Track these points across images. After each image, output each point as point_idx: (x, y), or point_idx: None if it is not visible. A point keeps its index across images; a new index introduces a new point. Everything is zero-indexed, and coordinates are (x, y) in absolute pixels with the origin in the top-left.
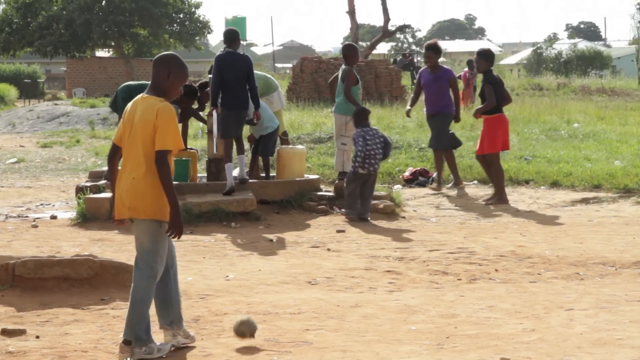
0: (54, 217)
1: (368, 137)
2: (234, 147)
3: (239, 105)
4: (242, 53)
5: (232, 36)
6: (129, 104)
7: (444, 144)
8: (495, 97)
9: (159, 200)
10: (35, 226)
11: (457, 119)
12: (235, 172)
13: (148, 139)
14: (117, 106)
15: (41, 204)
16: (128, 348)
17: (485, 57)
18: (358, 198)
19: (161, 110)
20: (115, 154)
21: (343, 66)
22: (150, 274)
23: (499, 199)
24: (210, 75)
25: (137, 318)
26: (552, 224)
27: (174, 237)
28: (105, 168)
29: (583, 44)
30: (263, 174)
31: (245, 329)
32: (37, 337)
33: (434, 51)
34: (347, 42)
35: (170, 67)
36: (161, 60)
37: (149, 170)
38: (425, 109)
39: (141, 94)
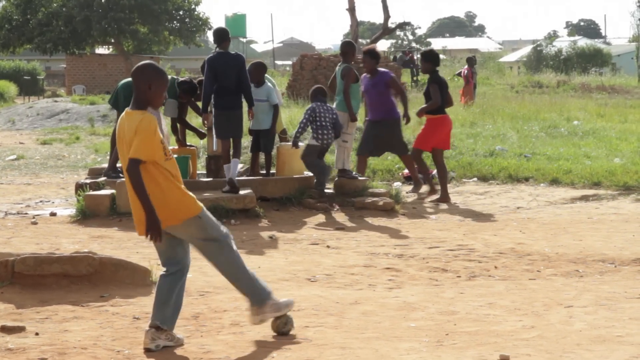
0: (53, 214)
1: (321, 111)
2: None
3: (233, 105)
4: (233, 52)
5: (222, 35)
6: (119, 121)
7: (402, 150)
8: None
9: (180, 201)
10: (34, 223)
11: (407, 120)
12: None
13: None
14: (118, 104)
15: (41, 201)
16: None
17: (430, 59)
18: (323, 167)
19: (139, 124)
20: None
21: (340, 64)
22: (221, 245)
23: (442, 197)
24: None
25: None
26: (552, 221)
27: (151, 240)
28: (105, 165)
29: (583, 42)
30: (263, 171)
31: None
32: (37, 334)
33: (370, 56)
34: (345, 40)
35: (149, 79)
36: (139, 73)
37: (146, 182)
38: (367, 116)
39: (126, 109)
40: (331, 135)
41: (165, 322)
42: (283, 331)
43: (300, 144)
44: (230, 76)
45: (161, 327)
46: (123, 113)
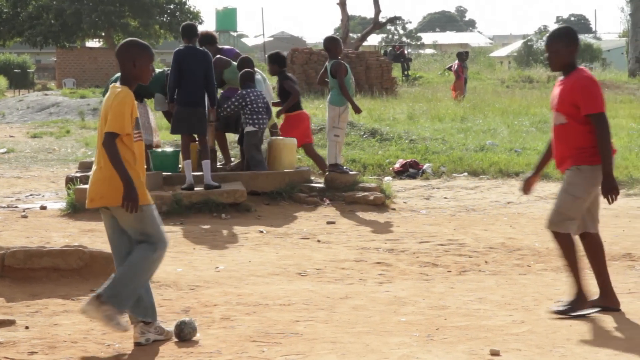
0: (43, 208)
1: (252, 97)
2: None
3: (193, 102)
4: (201, 48)
5: (191, 31)
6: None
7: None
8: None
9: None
10: (24, 217)
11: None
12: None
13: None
14: None
15: (31, 195)
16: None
17: (276, 61)
18: (260, 161)
19: (115, 96)
20: None
21: (329, 60)
22: (150, 248)
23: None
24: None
25: (128, 291)
26: (542, 216)
27: (128, 210)
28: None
29: None
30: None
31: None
32: (27, 327)
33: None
34: (328, 35)
35: (133, 55)
36: (122, 51)
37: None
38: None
39: (112, 84)
40: (265, 119)
41: (147, 314)
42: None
43: (290, 138)
44: (196, 72)
45: (146, 321)
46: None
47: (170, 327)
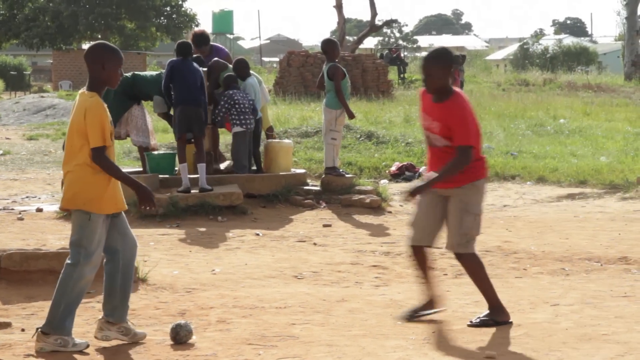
0: (39, 210)
1: (238, 98)
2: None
3: (192, 100)
4: (195, 65)
5: (186, 49)
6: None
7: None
8: None
9: (88, 191)
10: (21, 219)
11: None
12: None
13: (75, 135)
14: (109, 100)
15: (27, 197)
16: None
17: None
18: (244, 167)
19: (89, 109)
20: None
21: (326, 63)
22: (71, 262)
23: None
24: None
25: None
26: (538, 219)
27: (148, 208)
28: None
29: (569, 40)
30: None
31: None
32: (23, 330)
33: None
34: (325, 38)
35: (102, 58)
36: (91, 53)
37: (77, 163)
38: None
39: (82, 89)
40: (252, 119)
41: (113, 315)
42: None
43: (287, 141)
44: (189, 78)
45: (109, 320)
46: (79, 92)
47: (142, 330)
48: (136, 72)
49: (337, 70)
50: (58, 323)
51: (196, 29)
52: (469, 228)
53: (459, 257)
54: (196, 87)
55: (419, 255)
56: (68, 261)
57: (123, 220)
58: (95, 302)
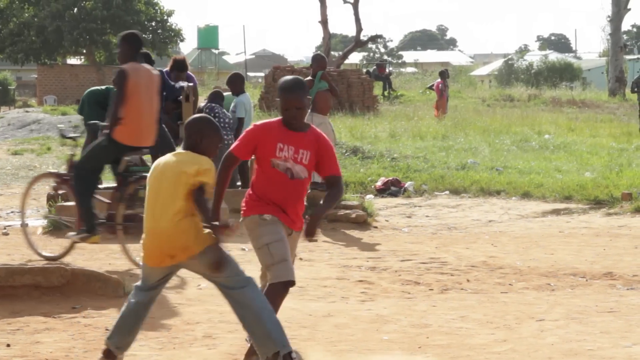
0: (25, 225)
1: (219, 113)
2: None
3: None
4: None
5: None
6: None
7: None
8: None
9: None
10: (6, 234)
11: None
12: None
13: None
14: (84, 112)
15: (12, 212)
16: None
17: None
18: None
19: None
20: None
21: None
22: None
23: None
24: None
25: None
26: (523, 234)
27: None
28: None
29: (554, 56)
30: (239, 183)
31: None
32: (8, 345)
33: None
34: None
35: (202, 132)
36: (192, 127)
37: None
38: None
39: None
40: (231, 136)
41: (124, 348)
42: None
43: None
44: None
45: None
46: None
47: None
48: (110, 86)
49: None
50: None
51: (179, 56)
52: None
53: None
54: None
55: (286, 294)
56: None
57: None
58: (81, 317)
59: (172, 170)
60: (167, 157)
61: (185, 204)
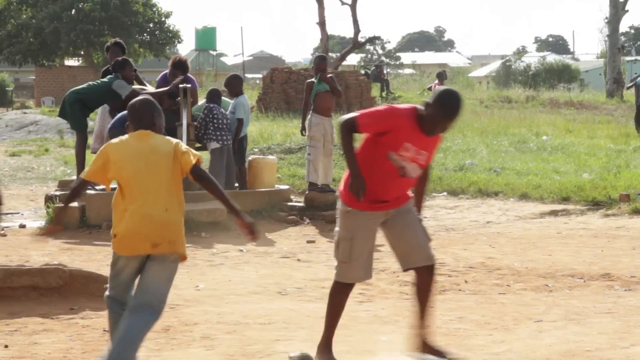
0: (22, 226)
1: (217, 113)
2: None
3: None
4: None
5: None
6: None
7: None
8: None
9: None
10: (3, 235)
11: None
12: None
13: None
14: (67, 113)
15: (10, 213)
16: None
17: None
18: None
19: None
20: None
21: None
22: (154, 314)
23: None
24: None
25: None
26: (521, 236)
27: (254, 239)
28: (74, 177)
29: (552, 57)
30: (237, 184)
31: None
32: (6, 346)
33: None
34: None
35: (155, 113)
36: (143, 108)
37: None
38: None
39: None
40: (229, 137)
41: None
42: None
43: (270, 157)
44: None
45: None
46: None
47: None
48: (91, 82)
49: (306, 85)
50: None
51: (181, 55)
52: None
53: (433, 269)
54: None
55: (348, 295)
56: (149, 312)
57: None
58: (79, 318)
59: (159, 151)
60: (134, 138)
61: (179, 189)
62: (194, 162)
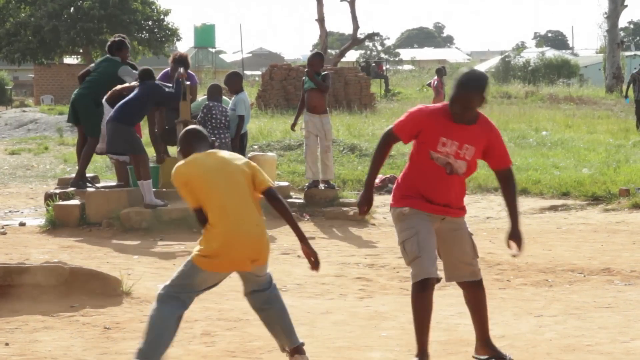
0: (22, 224)
1: (216, 112)
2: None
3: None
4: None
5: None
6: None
7: None
8: None
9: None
10: (3, 233)
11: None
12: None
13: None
14: (78, 118)
15: (9, 211)
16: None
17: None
18: None
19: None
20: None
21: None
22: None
23: None
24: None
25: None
26: (521, 231)
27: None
28: (73, 175)
29: (551, 53)
30: None
31: None
32: (7, 344)
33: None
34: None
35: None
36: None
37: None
38: None
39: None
40: (227, 134)
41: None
42: None
43: (270, 154)
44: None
45: None
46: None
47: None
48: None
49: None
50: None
51: (183, 52)
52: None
53: (480, 284)
54: (127, 105)
55: (431, 291)
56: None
57: None
58: (79, 316)
59: (235, 168)
60: (202, 155)
61: (258, 203)
62: (270, 184)
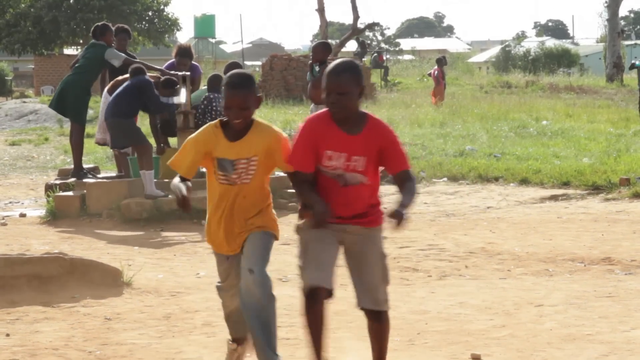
0: (23, 215)
1: (216, 103)
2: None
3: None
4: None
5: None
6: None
7: None
8: None
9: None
10: (4, 224)
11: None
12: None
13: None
14: (64, 106)
15: (10, 202)
16: None
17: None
18: None
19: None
20: None
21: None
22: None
23: None
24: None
25: None
26: (522, 220)
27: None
28: (72, 167)
29: (551, 42)
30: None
31: None
32: (8, 335)
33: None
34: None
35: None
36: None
37: None
38: None
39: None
40: None
41: None
42: None
43: None
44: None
45: None
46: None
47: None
48: (78, 64)
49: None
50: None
51: (184, 43)
52: (389, 277)
53: (381, 316)
54: (119, 98)
55: (320, 304)
56: None
57: None
58: (80, 306)
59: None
60: None
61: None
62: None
